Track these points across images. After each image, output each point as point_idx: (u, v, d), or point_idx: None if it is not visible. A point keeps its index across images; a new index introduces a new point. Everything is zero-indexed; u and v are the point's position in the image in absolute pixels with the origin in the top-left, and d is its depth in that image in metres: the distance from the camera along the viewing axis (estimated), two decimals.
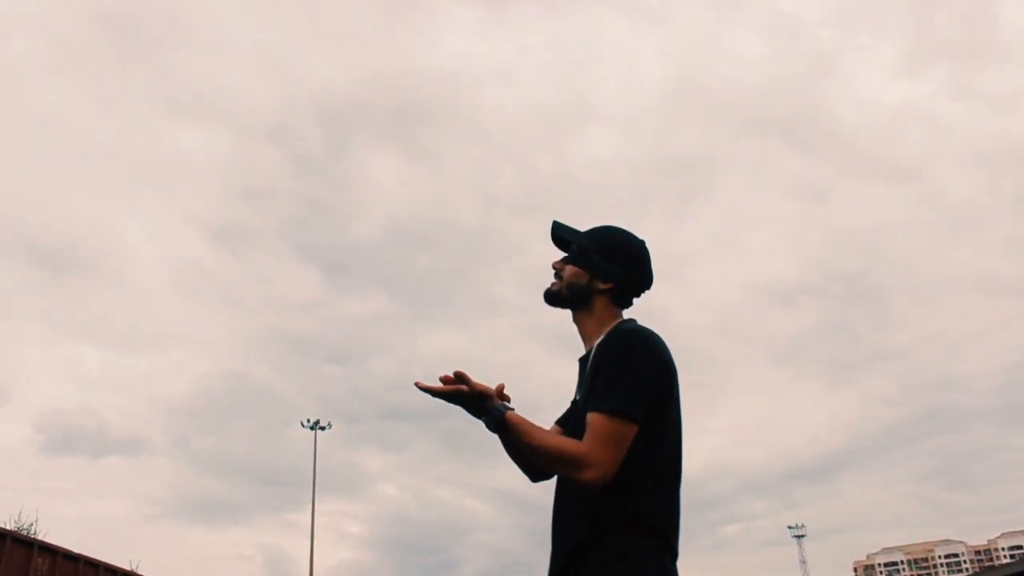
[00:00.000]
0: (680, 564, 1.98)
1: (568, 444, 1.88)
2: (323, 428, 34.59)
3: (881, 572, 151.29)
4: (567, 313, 2.25)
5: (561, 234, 2.28)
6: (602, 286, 2.17)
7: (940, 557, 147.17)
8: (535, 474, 2.20)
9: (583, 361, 2.16)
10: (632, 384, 1.91)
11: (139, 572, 11.97)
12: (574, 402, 2.18)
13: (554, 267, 2.25)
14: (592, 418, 1.89)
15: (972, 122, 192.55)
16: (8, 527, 10.34)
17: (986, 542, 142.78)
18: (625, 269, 2.17)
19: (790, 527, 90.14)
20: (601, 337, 2.10)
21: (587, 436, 1.87)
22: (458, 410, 2.03)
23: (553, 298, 2.23)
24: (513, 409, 1.98)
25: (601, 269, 2.17)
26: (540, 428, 1.95)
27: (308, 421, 34.57)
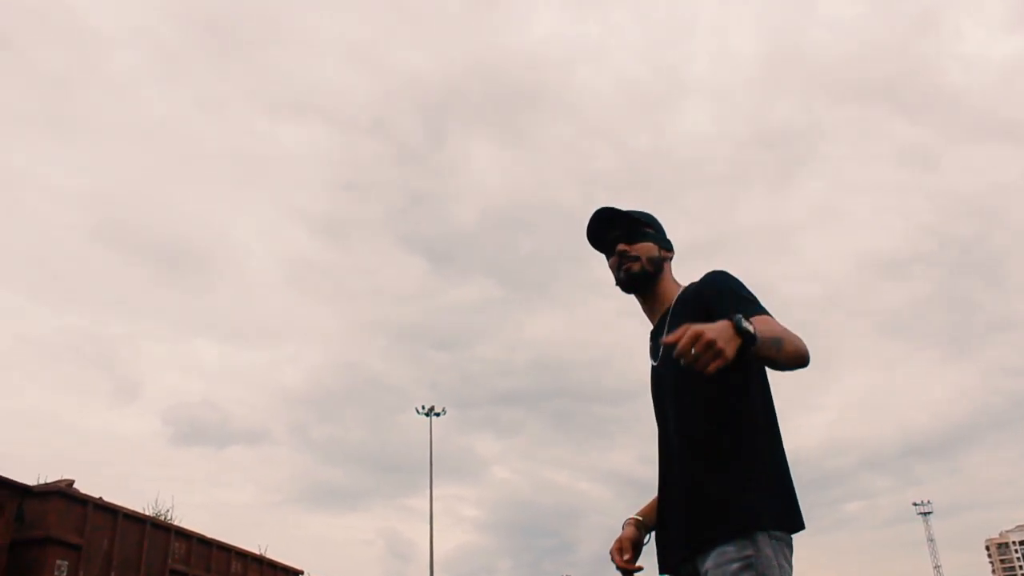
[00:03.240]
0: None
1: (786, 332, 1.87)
2: (438, 414, 35.17)
3: (1016, 550, 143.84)
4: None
5: (614, 217, 2.29)
6: (667, 255, 2.30)
7: None
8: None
9: (658, 330, 2.22)
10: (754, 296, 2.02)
11: (267, 556, 12.48)
12: (657, 370, 2.22)
13: (622, 251, 2.25)
14: (765, 318, 1.88)
15: None
16: (147, 513, 10.93)
17: None
18: (667, 237, 2.33)
19: (915, 504, 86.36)
20: (675, 299, 2.21)
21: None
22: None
23: (639, 278, 2.24)
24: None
25: (663, 239, 2.31)
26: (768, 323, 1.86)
27: (423, 408, 35.22)
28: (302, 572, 13.55)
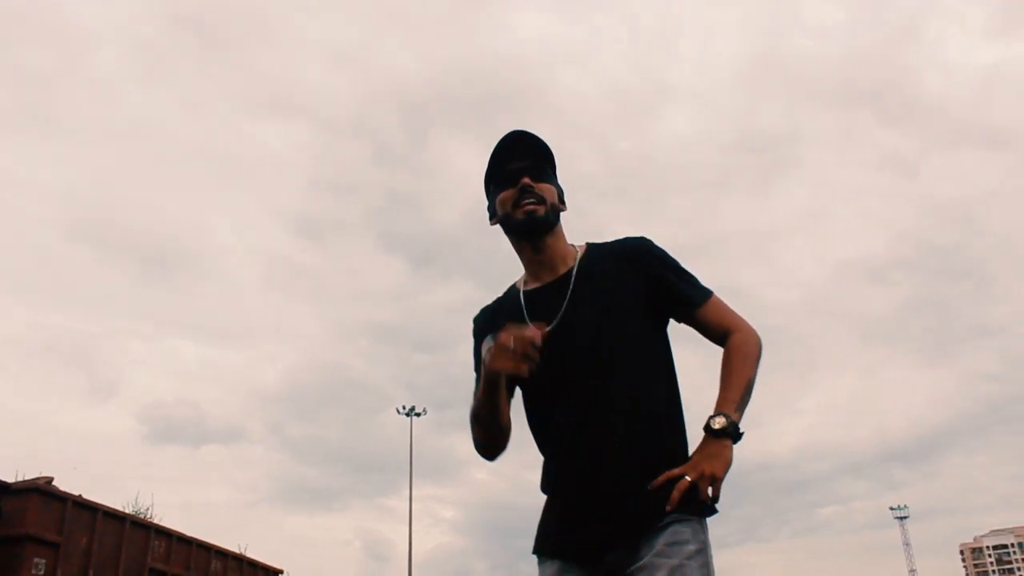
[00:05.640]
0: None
1: (741, 347, 1.83)
2: (418, 415, 34.87)
3: (990, 555, 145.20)
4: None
5: (531, 144, 1.94)
6: (563, 207, 1.98)
7: None
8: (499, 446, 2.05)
9: (556, 288, 1.91)
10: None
11: (247, 555, 12.40)
12: (559, 329, 1.83)
13: (526, 186, 1.87)
14: (713, 303, 1.88)
15: None
16: (126, 511, 10.83)
17: None
18: None
19: (892, 508, 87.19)
20: (576, 261, 1.94)
21: (727, 317, 1.87)
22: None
23: (543, 224, 1.89)
24: (718, 419, 1.71)
25: (561, 189, 1.99)
26: (728, 382, 1.79)
27: (404, 408, 34.92)
28: (282, 572, 13.47)
